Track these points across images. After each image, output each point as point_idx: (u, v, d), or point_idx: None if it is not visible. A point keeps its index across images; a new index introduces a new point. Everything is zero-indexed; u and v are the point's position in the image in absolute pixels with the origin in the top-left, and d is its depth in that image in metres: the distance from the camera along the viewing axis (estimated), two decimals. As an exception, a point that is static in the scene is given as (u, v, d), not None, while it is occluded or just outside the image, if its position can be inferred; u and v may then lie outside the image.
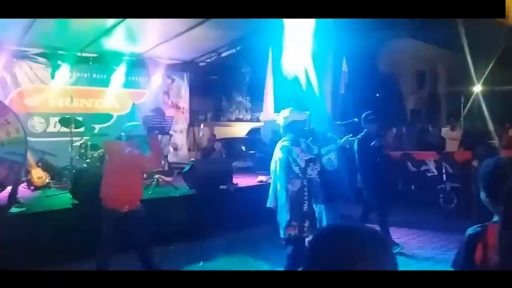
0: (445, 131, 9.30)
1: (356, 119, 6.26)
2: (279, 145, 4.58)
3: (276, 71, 11.90)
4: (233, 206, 6.83)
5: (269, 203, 4.65)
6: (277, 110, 12.97)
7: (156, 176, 7.23)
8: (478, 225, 1.93)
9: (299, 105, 8.28)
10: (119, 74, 8.92)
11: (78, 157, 7.78)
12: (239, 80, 13.46)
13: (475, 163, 6.44)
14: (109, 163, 4.57)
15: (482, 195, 1.88)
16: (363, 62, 14.08)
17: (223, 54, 9.67)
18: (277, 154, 4.53)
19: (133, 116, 8.70)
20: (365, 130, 5.92)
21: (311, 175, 4.46)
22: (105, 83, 9.03)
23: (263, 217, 6.77)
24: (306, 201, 4.44)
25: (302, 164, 4.35)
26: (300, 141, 4.52)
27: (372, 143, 5.66)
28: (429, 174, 6.80)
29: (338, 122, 6.40)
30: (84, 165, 7.59)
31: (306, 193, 4.41)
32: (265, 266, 5.27)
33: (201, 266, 5.36)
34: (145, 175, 8.05)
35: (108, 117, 9.12)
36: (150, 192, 6.78)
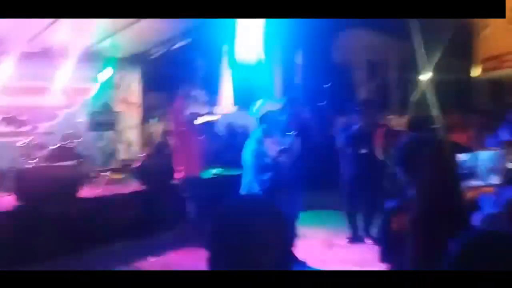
0: (393, 118, 9.59)
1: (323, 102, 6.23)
2: (252, 135, 4.61)
3: (231, 63, 11.86)
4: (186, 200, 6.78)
5: (241, 192, 4.69)
6: (236, 102, 12.93)
7: (106, 173, 7.05)
8: (396, 199, 2.04)
9: (256, 96, 8.32)
10: (65, 69, 8.59)
11: (23, 157, 7.47)
12: (194, 73, 13.26)
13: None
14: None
15: (397, 170, 1.97)
16: (317, 53, 14.25)
17: (174, 47, 9.51)
18: (249, 145, 4.56)
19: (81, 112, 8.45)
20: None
21: (283, 165, 4.50)
22: (50, 79, 8.67)
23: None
24: (277, 191, 4.48)
25: (274, 155, 4.39)
26: (274, 132, 4.54)
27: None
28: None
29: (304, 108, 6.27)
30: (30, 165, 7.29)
31: (278, 184, 4.47)
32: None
33: (151, 261, 5.32)
34: (94, 174, 7.88)
35: (54, 114, 8.76)
36: (99, 190, 6.63)
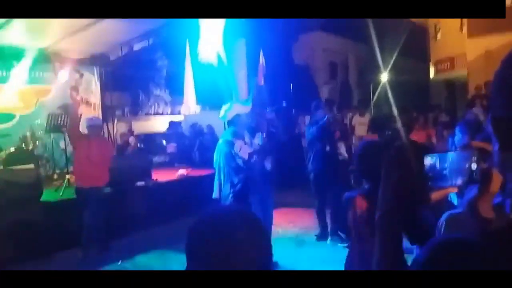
0: (355, 117, 9.84)
1: (284, 103, 6.27)
2: (222, 138, 4.55)
3: (194, 64, 11.79)
4: (152, 202, 6.69)
5: (214, 195, 4.63)
6: (199, 102, 12.85)
7: (67, 176, 6.82)
8: (354, 191, 2.21)
9: (221, 97, 8.27)
10: (20, 69, 8.22)
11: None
12: (156, 73, 13.09)
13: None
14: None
15: (355, 171, 2.14)
16: (279, 55, 14.43)
17: (135, 47, 9.35)
18: (220, 148, 4.50)
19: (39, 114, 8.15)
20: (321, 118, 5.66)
21: (255, 167, 4.47)
22: (4, 79, 8.28)
23: (184, 211, 6.74)
24: (249, 193, 4.47)
25: (245, 157, 4.36)
26: (244, 134, 4.51)
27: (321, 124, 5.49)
28: (341, 158, 7.15)
29: (267, 108, 6.34)
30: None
31: (249, 185, 4.44)
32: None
33: (120, 265, 5.19)
34: (55, 176, 7.61)
35: (9, 116, 8.37)
36: (61, 194, 6.39)
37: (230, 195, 4.45)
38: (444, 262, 0.68)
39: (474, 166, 0.91)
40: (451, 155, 0.94)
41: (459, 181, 0.94)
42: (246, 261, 0.95)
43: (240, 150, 4.43)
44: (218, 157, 4.61)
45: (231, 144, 4.45)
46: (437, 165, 0.95)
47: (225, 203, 4.50)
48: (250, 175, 4.55)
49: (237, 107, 4.66)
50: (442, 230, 1.88)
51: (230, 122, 4.60)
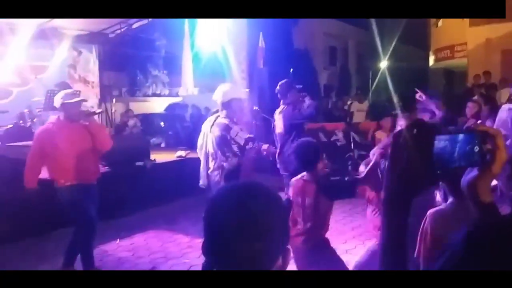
0: (354, 103, 9.82)
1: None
2: (214, 120, 4.28)
3: (193, 44, 11.66)
4: (150, 182, 6.70)
5: (201, 182, 4.42)
6: (197, 84, 12.75)
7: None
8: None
9: (219, 79, 8.19)
10: (18, 45, 8.11)
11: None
12: (155, 53, 12.96)
13: (378, 134, 6.83)
14: None
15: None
16: (279, 38, 14.30)
17: (134, 25, 9.22)
18: (213, 131, 4.24)
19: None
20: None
21: (249, 154, 4.29)
22: (2, 55, 8.18)
23: (181, 192, 6.76)
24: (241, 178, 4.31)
25: (241, 143, 4.15)
26: (239, 119, 4.29)
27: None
28: (339, 144, 7.17)
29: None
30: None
31: (242, 172, 4.25)
32: (184, 239, 5.26)
33: (118, 243, 5.23)
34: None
35: (6, 92, 8.31)
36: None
37: (221, 182, 4.19)
38: (485, 250, 0.64)
39: (477, 148, 0.91)
40: (457, 137, 0.94)
41: (462, 163, 0.94)
42: (263, 235, 0.95)
43: (236, 135, 4.20)
44: (205, 140, 4.37)
45: (227, 128, 4.21)
46: (446, 146, 0.94)
47: (215, 190, 4.35)
48: (244, 161, 4.38)
49: (234, 90, 4.42)
50: (427, 226, 1.88)
51: (226, 105, 4.34)
